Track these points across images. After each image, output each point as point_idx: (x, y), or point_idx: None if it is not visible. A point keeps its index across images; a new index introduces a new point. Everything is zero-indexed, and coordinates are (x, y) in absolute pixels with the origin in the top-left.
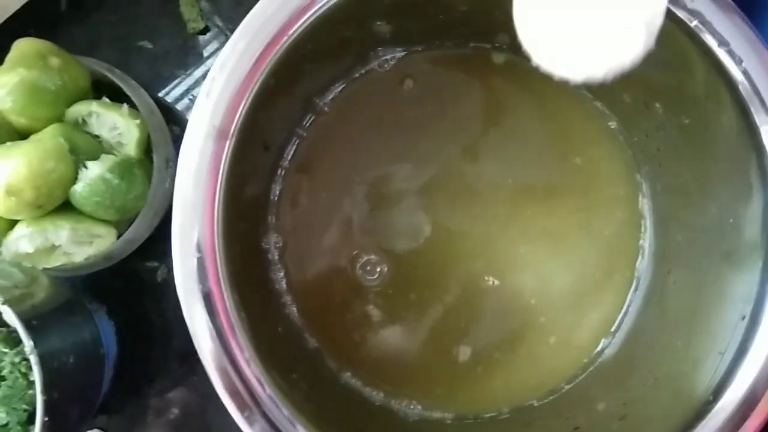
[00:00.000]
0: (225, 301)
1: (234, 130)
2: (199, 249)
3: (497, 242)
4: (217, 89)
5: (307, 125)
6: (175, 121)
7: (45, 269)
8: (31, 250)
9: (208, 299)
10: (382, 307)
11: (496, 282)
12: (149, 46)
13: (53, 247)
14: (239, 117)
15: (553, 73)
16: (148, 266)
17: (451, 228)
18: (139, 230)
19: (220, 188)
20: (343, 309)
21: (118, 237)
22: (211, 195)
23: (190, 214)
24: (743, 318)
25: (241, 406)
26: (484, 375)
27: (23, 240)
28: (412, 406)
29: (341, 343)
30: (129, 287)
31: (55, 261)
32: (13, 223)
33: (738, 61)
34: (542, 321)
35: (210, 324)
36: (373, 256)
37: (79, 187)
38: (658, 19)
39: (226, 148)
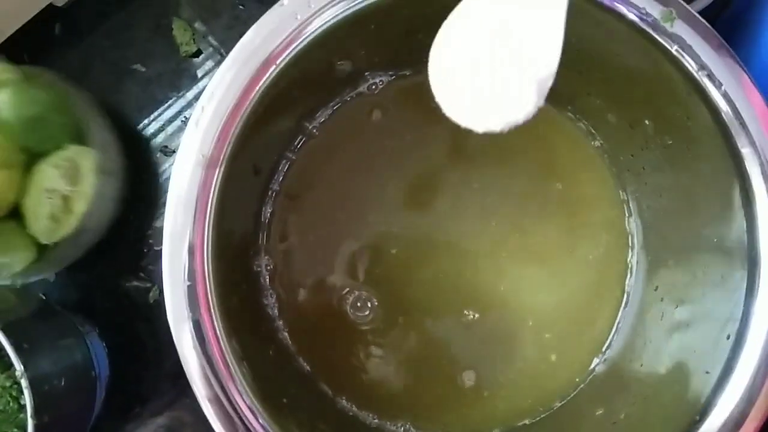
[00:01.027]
0: (216, 328)
1: (223, 159)
2: (189, 277)
3: (486, 268)
4: (206, 119)
5: (297, 149)
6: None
7: None
8: None
9: (197, 327)
10: (374, 334)
11: (485, 309)
12: (142, 69)
13: None
14: (228, 145)
15: (459, 124)
16: (140, 287)
17: (440, 255)
18: (69, 251)
19: (210, 215)
20: (334, 335)
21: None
22: (201, 223)
23: (180, 242)
24: (728, 337)
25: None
26: (477, 398)
27: None
28: (405, 427)
29: (335, 368)
30: (121, 308)
31: None
32: None
33: (718, 85)
34: (535, 343)
35: (200, 351)
36: (363, 292)
37: None
38: (549, 81)
39: (216, 177)
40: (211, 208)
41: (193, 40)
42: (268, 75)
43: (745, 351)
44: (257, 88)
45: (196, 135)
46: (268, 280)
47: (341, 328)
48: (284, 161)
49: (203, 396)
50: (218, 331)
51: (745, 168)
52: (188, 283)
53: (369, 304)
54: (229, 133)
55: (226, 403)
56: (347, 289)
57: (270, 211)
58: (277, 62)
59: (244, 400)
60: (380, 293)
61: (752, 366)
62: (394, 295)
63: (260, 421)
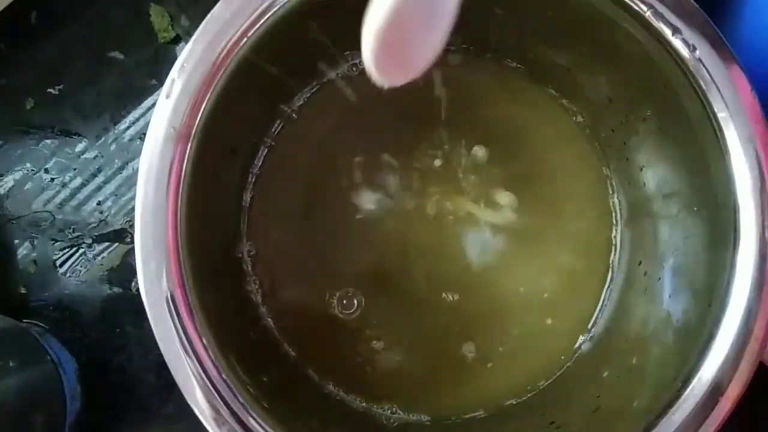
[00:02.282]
0: (190, 304)
1: (195, 132)
2: (161, 250)
3: (469, 246)
4: (176, 91)
5: (276, 133)
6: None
7: None
8: None
9: (172, 301)
10: (360, 319)
11: (469, 288)
12: (120, 57)
13: None
14: (200, 118)
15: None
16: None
17: (424, 236)
18: None
19: (182, 191)
20: (319, 324)
21: None
22: (174, 198)
23: (151, 218)
24: (710, 305)
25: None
26: (464, 378)
27: None
28: (393, 410)
29: (320, 355)
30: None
31: None
32: None
33: (692, 49)
34: (521, 322)
35: (178, 327)
36: (347, 277)
37: None
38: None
39: (188, 151)
40: (183, 184)
41: (171, 26)
42: (240, 47)
43: (727, 316)
44: (229, 60)
45: (166, 108)
46: (250, 266)
47: (325, 313)
48: (263, 146)
49: (179, 374)
50: (192, 306)
51: (723, 132)
52: (159, 258)
53: (353, 289)
54: (201, 106)
55: (204, 378)
56: (331, 274)
57: (250, 195)
58: (249, 34)
59: (221, 373)
60: (365, 277)
61: (733, 331)
62: (379, 278)
63: (239, 398)
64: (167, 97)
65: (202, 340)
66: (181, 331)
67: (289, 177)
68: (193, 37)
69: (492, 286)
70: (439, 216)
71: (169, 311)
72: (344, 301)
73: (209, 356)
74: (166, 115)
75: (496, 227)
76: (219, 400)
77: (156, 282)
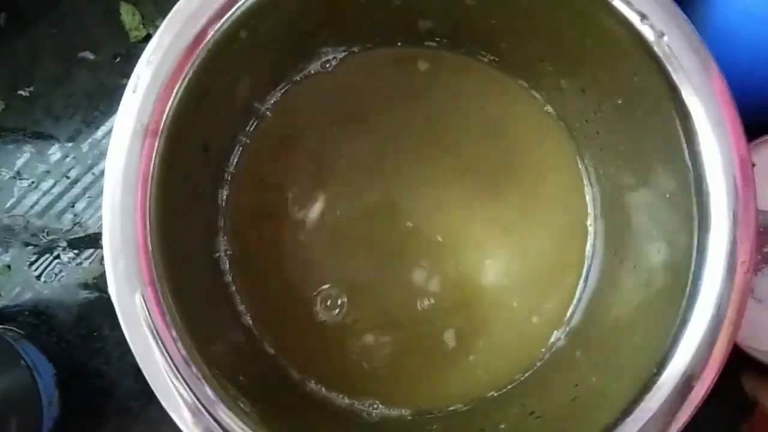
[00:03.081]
0: (161, 303)
1: (163, 128)
2: (129, 248)
3: (445, 236)
4: (143, 85)
5: (250, 131)
6: None
7: None
8: None
9: (143, 299)
10: (341, 314)
11: (447, 279)
12: (91, 56)
13: None
14: (168, 113)
15: None
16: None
17: (401, 228)
18: None
19: (151, 186)
20: (300, 322)
21: None
22: (142, 193)
23: (119, 214)
24: (683, 289)
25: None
26: (444, 372)
27: None
28: (374, 406)
29: (300, 350)
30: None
31: None
32: None
33: (660, 35)
34: (499, 313)
35: (150, 326)
36: (328, 274)
37: None
38: None
39: (156, 146)
40: (152, 179)
41: (143, 24)
42: (207, 40)
43: (700, 300)
44: (197, 52)
45: (133, 102)
46: (228, 264)
47: (305, 309)
48: (238, 144)
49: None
50: (164, 309)
51: (692, 118)
52: (128, 254)
53: (333, 287)
54: (168, 100)
55: (175, 377)
56: (310, 272)
57: (226, 194)
58: (216, 27)
59: (194, 372)
60: (345, 275)
61: (707, 316)
62: (358, 275)
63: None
64: (134, 91)
65: (173, 338)
66: (154, 330)
67: (266, 174)
68: (158, 31)
69: (470, 279)
70: (416, 209)
71: (140, 309)
72: (326, 301)
73: (181, 355)
74: (133, 110)
75: (471, 219)
76: (195, 400)
77: (125, 280)
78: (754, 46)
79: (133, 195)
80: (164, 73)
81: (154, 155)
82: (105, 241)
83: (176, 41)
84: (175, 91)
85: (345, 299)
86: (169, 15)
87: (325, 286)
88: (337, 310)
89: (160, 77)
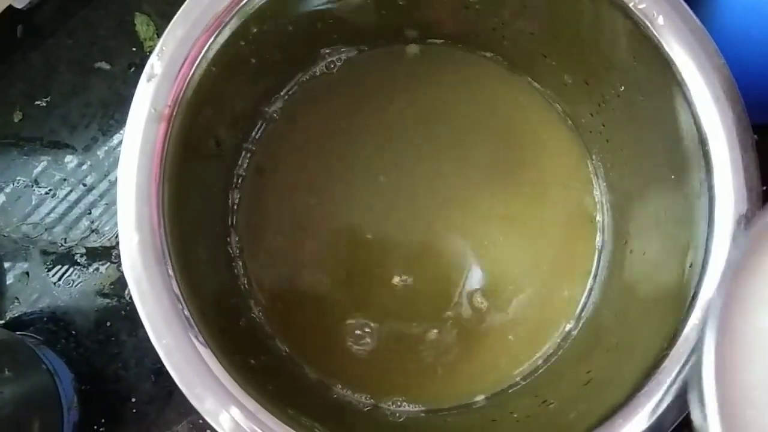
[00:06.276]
0: (177, 280)
1: (175, 114)
2: (140, 229)
3: (459, 235)
4: (157, 73)
5: (258, 135)
6: None
7: None
8: None
9: (159, 278)
10: (352, 313)
11: (467, 272)
12: (107, 67)
13: None
14: (180, 99)
15: None
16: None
17: (413, 228)
18: None
19: (163, 170)
20: (308, 316)
21: None
22: (156, 175)
23: (133, 195)
24: (690, 266)
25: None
26: (455, 369)
27: None
28: (398, 403)
29: (312, 350)
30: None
31: None
32: None
33: (654, 17)
34: (512, 308)
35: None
36: (336, 271)
37: None
38: None
39: (169, 131)
40: (164, 163)
41: (157, 34)
42: (218, 32)
43: (707, 279)
44: (208, 44)
45: (147, 90)
46: (240, 261)
47: (317, 308)
48: (245, 150)
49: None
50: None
51: (692, 100)
52: (138, 236)
53: (350, 292)
54: (181, 88)
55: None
56: (321, 270)
57: (237, 194)
58: (225, 20)
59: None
60: (355, 271)
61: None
62: (370, 271)
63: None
64: (148, 80)
65: (186, 315)
66: (167, 307)
67: (275, 175)
68: (171, 24)
69: (489, 274)
70: (427, 207)
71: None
72: (333, 291)
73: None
74: (147, 97)
75: (481, 215)
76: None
77: (139, 259)
78: (762, 43)
79: (147, 176)
80: (178, 62)
81: (167, 138)
82: (120, 227)
83: (189, 34)
84: (187, 78)
85: (356, 297)
86: (181, 9)
87: (341, 292)
88: (345, 305)
89: (173, 66)
